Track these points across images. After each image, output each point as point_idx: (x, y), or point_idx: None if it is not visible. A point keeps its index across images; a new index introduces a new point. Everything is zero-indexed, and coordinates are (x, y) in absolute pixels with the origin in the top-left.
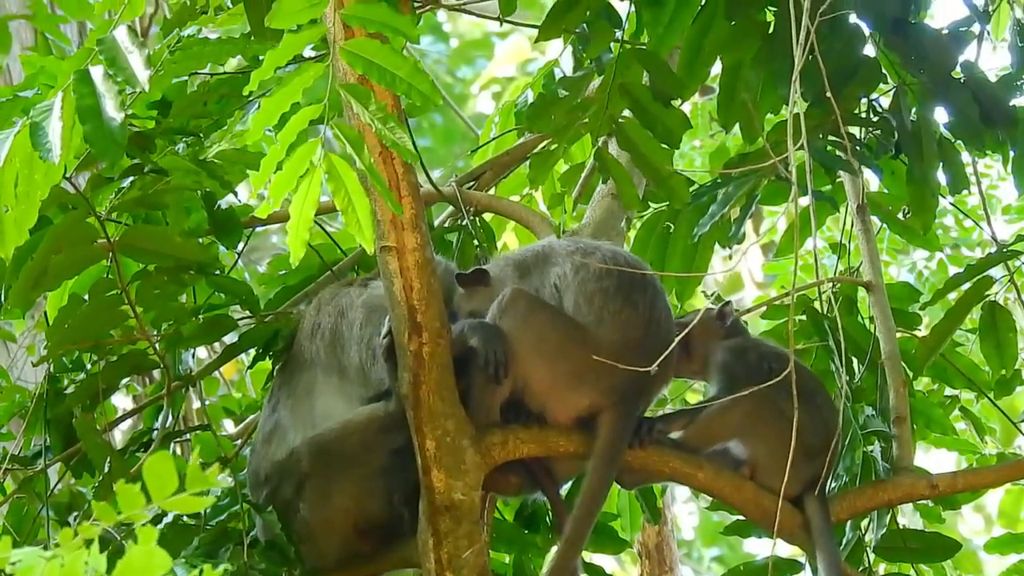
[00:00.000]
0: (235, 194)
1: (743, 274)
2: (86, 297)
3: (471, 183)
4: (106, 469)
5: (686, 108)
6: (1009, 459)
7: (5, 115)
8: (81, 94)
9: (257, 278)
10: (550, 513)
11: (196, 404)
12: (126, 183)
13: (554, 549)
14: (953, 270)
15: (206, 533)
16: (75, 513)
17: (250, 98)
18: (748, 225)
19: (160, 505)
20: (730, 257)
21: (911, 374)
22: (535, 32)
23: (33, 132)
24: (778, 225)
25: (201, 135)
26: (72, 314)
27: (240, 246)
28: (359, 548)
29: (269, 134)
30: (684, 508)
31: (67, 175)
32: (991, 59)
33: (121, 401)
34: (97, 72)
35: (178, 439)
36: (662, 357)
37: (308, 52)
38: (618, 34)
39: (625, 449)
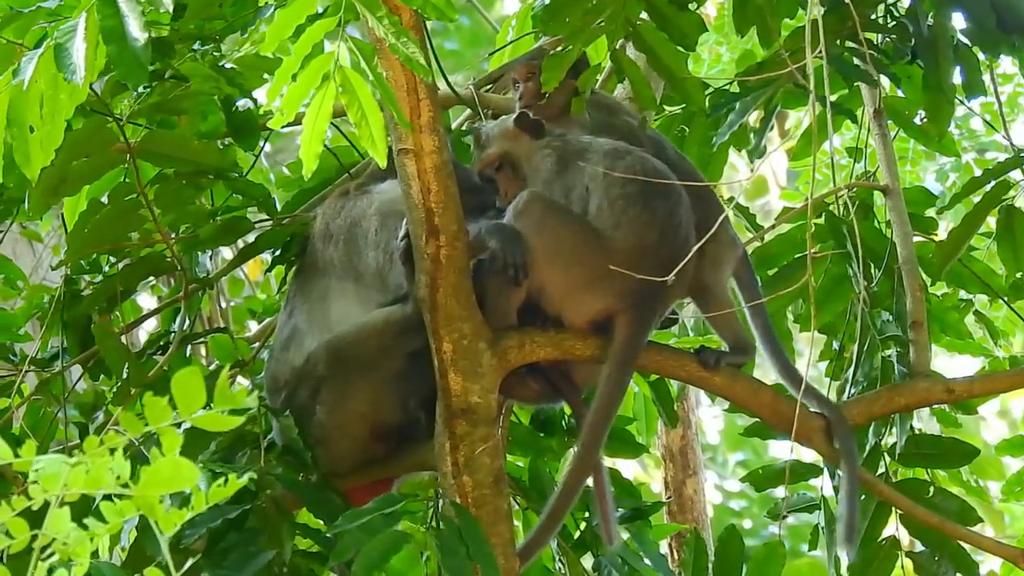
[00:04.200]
0: (253, 100)
1: (768, 177)
2: (104, 199)
3: (489, 86)
4: (124, 375)
5: (712, 10)
6: None
7: (26, 25)
8: (104, 15)
9: (277, 180)
10: (566, 417)
11: (222, 305)
12: (144, 88)
13: (571, 453)
14: (979, 173)
15: (223, 437)
16: (97, 413)
17: (264, 3)
18: (772, 128)
19: (188, 421)
20: (752, 162)
21: (928, 279)
22: None
23: (58, 53)
24: (801, 127)
25: (217, 38)
26: (91, 218)
27: (263, 147)
28: (375, 452)
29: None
30: (709, 412)
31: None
32: None
33: (146, 301)
34: None
35: (196, 341)
36: (679, 266)
37: None
38: None
39: (640, 352)
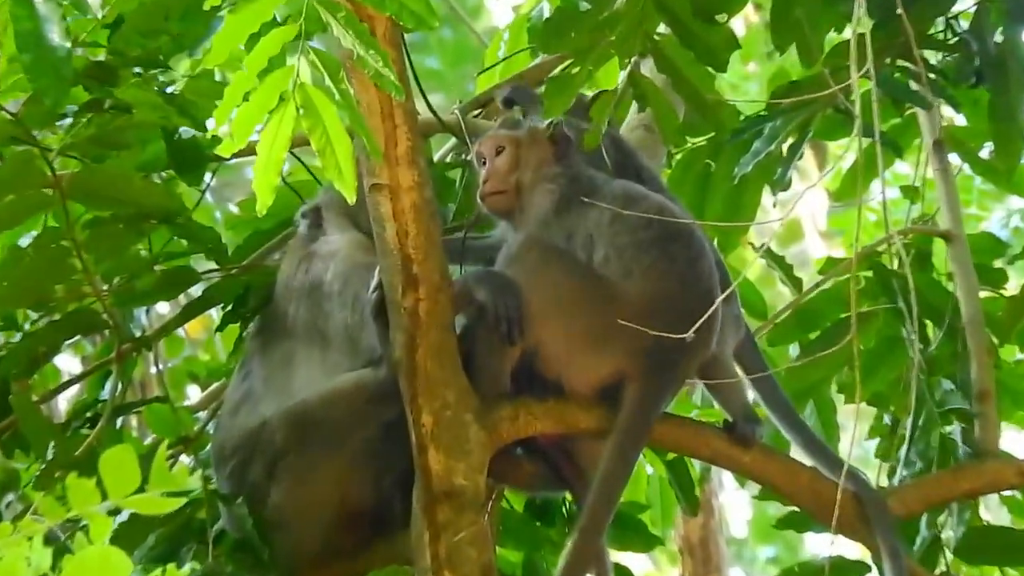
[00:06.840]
0: (203, 128)
1: (804, 221)
2: (26, 244)
3: (478, 111)
4: (49, 455)
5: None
6: None
7: None
8: (18, 17)
9: (226, 221)
10: (567, 503)
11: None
12: (73, 116)
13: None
14: None
15: (164, 528)
16: (9, 496)
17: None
18: (810, 161)
19: (119, 504)
20: (775, 195)
21: (996, 341)
22: None
23: None
24: (842, 164)
25: (162, 57)
26: (13, 269)
27: (209, 181)
28: (341, 540)
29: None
30: (734, 497)
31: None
32: None
33: (68, 363)
34: None
35: (132, 411)
36: (702, 320)
37: None
38: None
39: (653, 423)
